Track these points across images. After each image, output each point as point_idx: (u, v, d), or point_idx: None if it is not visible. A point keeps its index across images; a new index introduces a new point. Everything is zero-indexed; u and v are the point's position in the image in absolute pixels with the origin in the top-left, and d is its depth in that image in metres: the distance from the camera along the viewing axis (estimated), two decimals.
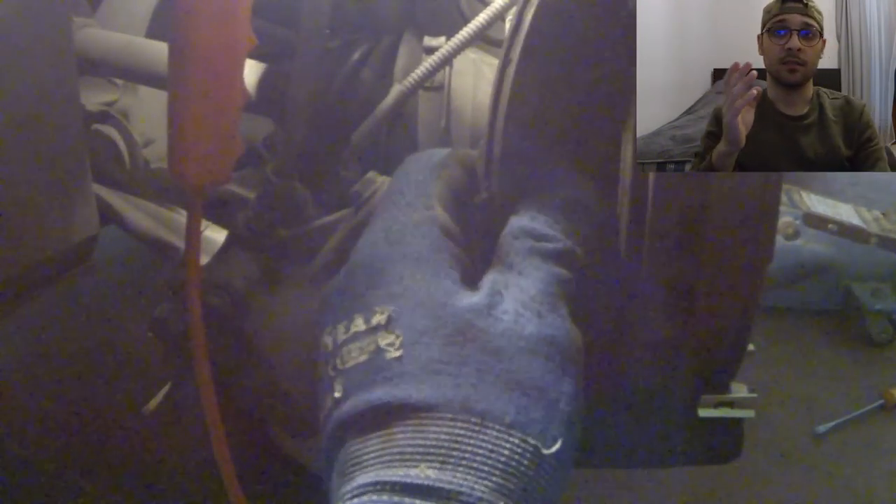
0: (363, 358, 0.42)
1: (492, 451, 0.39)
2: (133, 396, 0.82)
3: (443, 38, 0.79)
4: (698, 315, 0.49)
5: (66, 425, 1.31)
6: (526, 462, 0.40)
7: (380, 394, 0.41)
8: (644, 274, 0.48)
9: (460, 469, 0.39)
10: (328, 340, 0.45)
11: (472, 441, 0.40)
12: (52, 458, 1.26)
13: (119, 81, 1.00)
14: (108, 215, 0.97)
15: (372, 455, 0.40)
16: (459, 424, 0.40)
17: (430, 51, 0.77)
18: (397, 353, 0.42)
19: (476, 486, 0.38)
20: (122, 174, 0.96)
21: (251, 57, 0.65)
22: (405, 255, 0.45)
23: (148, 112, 1.01)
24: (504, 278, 0.45)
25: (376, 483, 0.38)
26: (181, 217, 0.98)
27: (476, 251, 0.48)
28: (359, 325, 0.43)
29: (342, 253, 0.71)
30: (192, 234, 0.62)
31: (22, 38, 0.66)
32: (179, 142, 0.60)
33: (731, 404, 0.52)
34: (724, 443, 0.55)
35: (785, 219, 1.64)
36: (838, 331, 1.68)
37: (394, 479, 0.38)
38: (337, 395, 0.43)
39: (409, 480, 0.38)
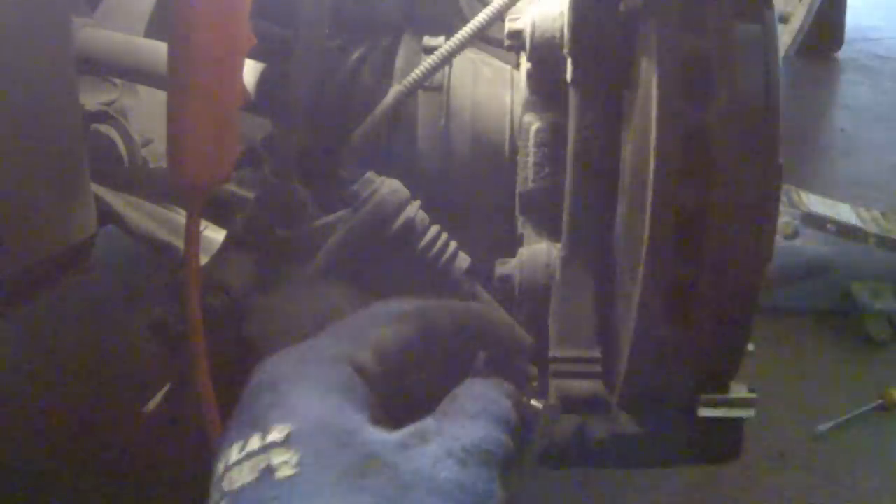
0: (251, 478, 0.39)
1: None
2: (132, 397, 0.82)
3: (442, 38, 0.78)
4: (698, 315, 0.49)
5: (66, 425, 1.31)
6: None
7: None
8: (644, 274, 0.48)
9: None
10: (220, 465, 0.41)
11: None
12: (51, 458, 1.26)
13: (118, 81, 1.00)
14: (107, 215, 0.97)
15: None
16: None
17: (430, 51, 0.77)
18: (291, 472, 0.38)
19: None
20: (121, 174, 0.96)
21: (251, 57, 0.65)
22: (316, 380, 0.42)
23: (147, 112, 1.01)
24: (438, 426, 0.42)
25: None
26: (180, 217, 0.98)
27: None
28: (253, 443, 0.40)
29: (342, 253, 0.71)
30: (192, 234, 0.62)
31: (22, 38, 0.66)
32: (179, 142, 0.60)
33: (730, 404, 0.52)
34: (724, 443, 0.55)
35: (784, 219, 1.64)
36: (837, 331, 1.68)
37: None
38: None
39: None
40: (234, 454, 0.40)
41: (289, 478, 0.38)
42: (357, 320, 0.47)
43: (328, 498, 0.37)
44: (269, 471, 0.38)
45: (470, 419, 0.43)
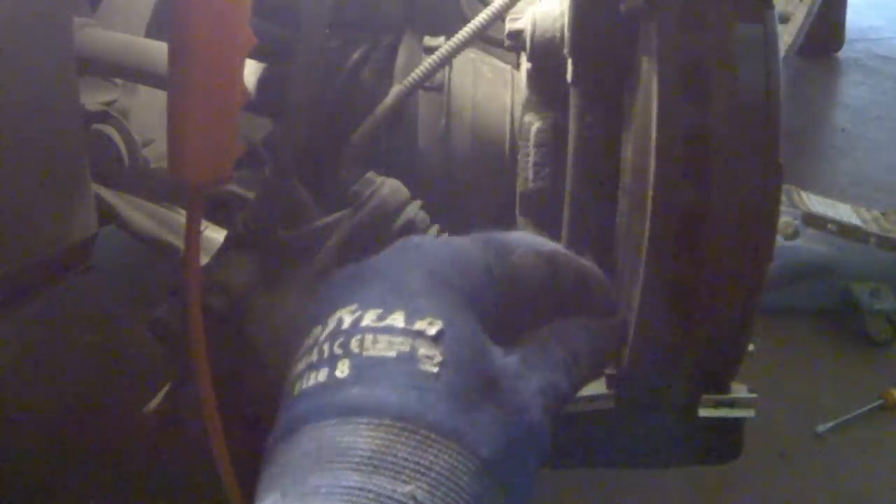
0: (390, 354, 0.40)
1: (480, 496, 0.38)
2: (133, 397, 0.82)
3: (443, 38, 0.79)
4: (698, 315, 0.49)
5: (65, 425, 1.31)
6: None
7: (405, 399, 0.39)
8: (644, 274, 0.48)
9: (450, 498, 0.37)
10: (347, 318, 0.42)
11: (466, 478, 0.38)
12: (51, 458, 1.26)
13: (119, 81, 1.00)
14: (107, 215, 0.97)
15: (366, 456, 0.38)
16: (461, 459, 0.38)
17: (430, 51, 0.77)
18: (434, 370, 0.40)
19: None
20: (121, 174, 0.96)
21: (251, 57, 0.65)
22: (463, 283, 0.43)
23: (147, 112, 1.01)
24: (538, 357, 0.44)
25: (362, 489, 0.37)
26: (181, 217, 0.98)
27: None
28: (397, 320, 0.41)
29: (342, 253, 0.71)
30: (192, 234, 0.62)
31: (22, 38, 0.66)
32: (179, 142, 0.60)
33: (731, 404, 0.52)
34: (724, 443, 0.55)
35: (784, 219, 1.64)
36: (837, 331, 1.68)
37: (380, 490, 0.36)
38: (340, 374, 0.40)
39: (395, 497, 0.36)
40: (369, 318, 0.41)
41: (434, 375, 0.39)
42: (505, 238, 0.48)
43: (453, 406, 0.39)
44: (411, 357, 0.40)
45: (559, 366, 0.45)
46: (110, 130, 0.95)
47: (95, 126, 0.94)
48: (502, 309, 0.45)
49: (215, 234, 0.83)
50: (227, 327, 0.72)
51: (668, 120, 0.47)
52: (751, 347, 0.52)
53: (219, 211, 0.82)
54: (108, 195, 0.98)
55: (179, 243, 0.94)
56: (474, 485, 0.38)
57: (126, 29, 0.97)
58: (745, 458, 0.55)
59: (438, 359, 0.40)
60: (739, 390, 0.53)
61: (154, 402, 0.78)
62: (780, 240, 1.62)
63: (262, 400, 0.75)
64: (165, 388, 0.78)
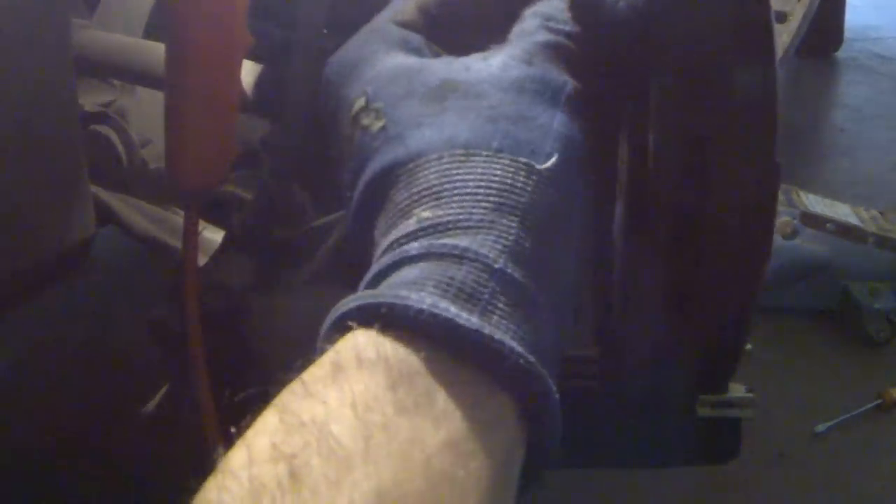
0: (354, 134, 0.43)
1: (482, 175, 0.38)
2: (131, 398, 0.82)
3: None
4: (696, 315, 0.49)
5: (65, 425, 1.31)
6: (521, 179, 0.38)
7: (372, 165, 0.41)
8: (644, 273, 0.48)
9: (455, 200, 0.38)
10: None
11: (460, 172, 0.38)
12: (50, 458, 1.26)
13: (116, 82, 1.00)
14: (105, 216, 0.97)
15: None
16: (445, 161, 0.39)
17: None
18: (380, 124, 0.41)
19: (474, 211, 0.37)
20: (119, 175, 0.96)
21: (249, 57, 0.65)
22: (376, 47, 0.45)
23: (146, 113, 1.01)
24: (499, 46, 0.44)
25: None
26: (179, 218, 0.98)
27: None
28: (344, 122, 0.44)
29: (340, 254, 0.71)
30: (190, 234, 0.62)
31: (20, 39, 0.66)
32: (177, 142, 0.60)
33: (729, 404, 0.52)
34: (723, 443, 0.55)
35: (783, 218, 1.64)
36: (836, 330, 1.68)
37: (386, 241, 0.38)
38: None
39: (402, 233, 0.37)
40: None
41: (381, 129, 0.41)
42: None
43: (415, 130, 0.40)
44: (363, 134, 0.42)
45: (529, 34, 0.44)
46: (108, 131, 0.94)
47: (93, 127, 0.94)
48: (437, 37, 0.47)
49: (213, 235, 0.83)
50: (226, 327, 0.72)
51: (666, 119, 0.47)
52: (748, 347, 0.52)
53: (216, 211, 0.82)
54: (106, 196, 0.98)
55: (177, 244, 0.94)
56: None
57: (124, 30, 0.97)
58: (744, 457, 0.55)
59: (379, 112, 0.42)
60: (737, 390, 0.53)
61: (153, 403, 0.78)
62: (778, 239, 1.62)
63: (260, 400, 0.75)
64: (165, 389, 0.78)
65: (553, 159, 0.40)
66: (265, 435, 0.31)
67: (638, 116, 0.50)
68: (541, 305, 0.37)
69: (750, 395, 0.52)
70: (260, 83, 0.80)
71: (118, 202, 0.99)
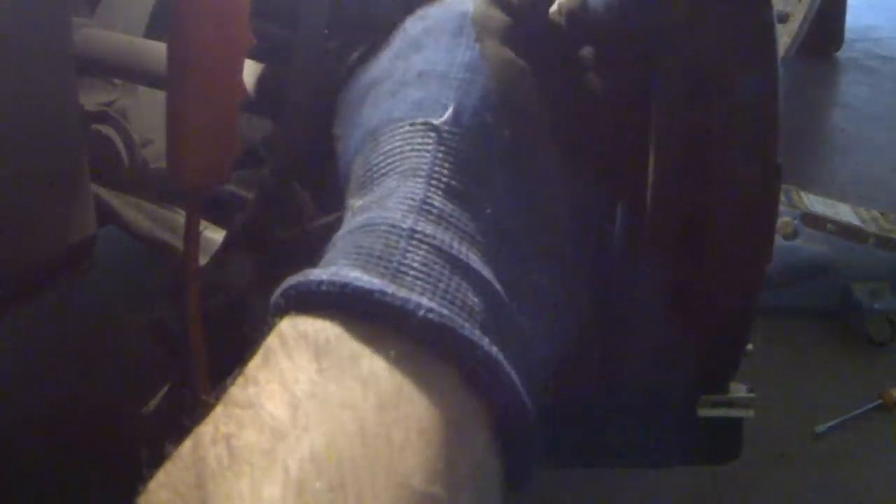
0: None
1: (388, 151, 0.40)
2: (131, 398, 0.82)
3: None
4: (697, 315, 0.49)
5: (65, 425, 1.31)
6: (419, 140, 0.40)
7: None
8: (644, 274, 0.48)
9: (375, 183, 0.40)
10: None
11: (373, 156, 0.41)
12: (50, 459, 1.26)
13: (117, 82, 1.00)
14: (106, 215, 0.97)
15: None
16: (364, 152, 0.42)
17: None
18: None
19: (386, 185, 0.39)
20: (120, 174, 0.96)
21: (250, 57, 0.65)
22: None
23: (147, 112, 1.01)
24: None
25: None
26: (180, 217, 0.98)
27: None
28: None
29: None
30: (191, 234, 0.62)
31: (21, 38, 0.66)
32: (178, 142, 0.60)
33: (729, 404, 0.52)
34: (723, 443, 0.55)
35: (783, 219, 1.64)
36: (837, 331, 1.68)
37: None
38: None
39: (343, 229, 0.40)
40: None
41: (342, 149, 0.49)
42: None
43: (351, 136, 0.45)
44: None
45: None
46: (109, 131, 0.95)
47: (94, 126, 0.94)
48: None
49: (214, 235, 0.83)
50: (226, 327, 0.72)
51: (667, 119, 0.47)
52: (749, 347, 0.52)
53: (219, 211, 0.82)
54: (107, 195, 0.98)
55: (178, 243, 0.94)
56: None
57: (125, 29, 0.96)
58: (744, 457, 0.55)
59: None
60: (738, 390, 0.53)
61: (153, 403, 0.78)
62: (779, 240, 1.62)
63: None
64: (165, 389, 0.78)
65: (449, 111, 0.40)
66: (210, 423, 0.33)
67: (639, 118, 0.50)
68: (464, 255, 0.37)
69: (751, 394, 0.52)
70: (261, 83, 0.80)
71: (119, 202, 0.99)
